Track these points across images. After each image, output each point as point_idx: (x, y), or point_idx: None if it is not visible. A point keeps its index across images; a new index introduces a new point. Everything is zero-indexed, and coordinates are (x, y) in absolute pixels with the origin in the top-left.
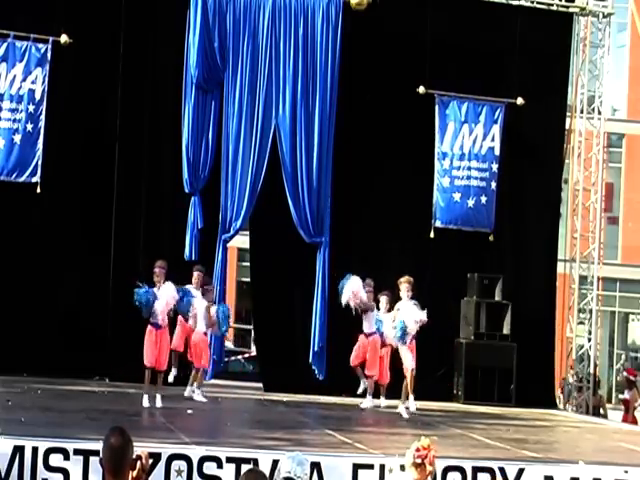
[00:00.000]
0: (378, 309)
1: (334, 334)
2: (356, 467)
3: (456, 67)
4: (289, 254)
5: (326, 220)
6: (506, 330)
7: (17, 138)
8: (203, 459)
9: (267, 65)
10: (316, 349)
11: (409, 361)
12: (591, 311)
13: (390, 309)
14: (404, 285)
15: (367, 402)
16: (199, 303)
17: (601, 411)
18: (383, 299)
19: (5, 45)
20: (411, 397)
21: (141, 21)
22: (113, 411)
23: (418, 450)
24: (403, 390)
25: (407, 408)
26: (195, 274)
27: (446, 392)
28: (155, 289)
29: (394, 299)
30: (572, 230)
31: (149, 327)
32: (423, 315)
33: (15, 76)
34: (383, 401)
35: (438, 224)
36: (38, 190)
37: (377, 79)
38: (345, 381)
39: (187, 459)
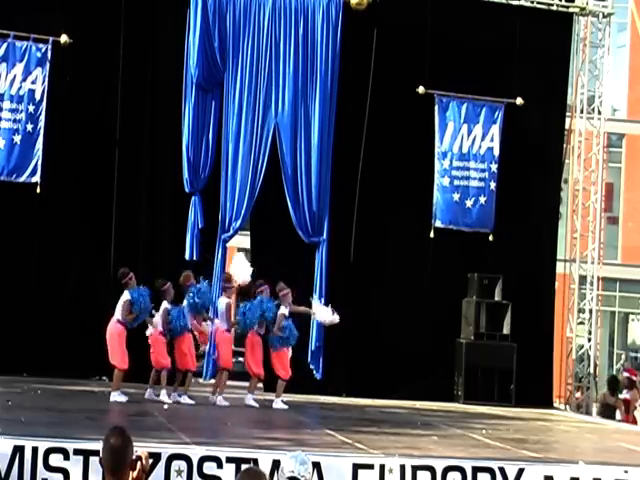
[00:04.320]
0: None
1: (332, 334)
2: (356, 467)
3: (456, 67)
4: (289, 254)
5: (325, 220)
6: (506, 330)
7: (17, 138)
8: (203, 459)
9: (267, 65)
10: (313, 348)
11: None
12: (591, 311)
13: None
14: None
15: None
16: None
17: (617, 414)
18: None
19: (5, 45)
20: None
21: (141, 21)
22: (113, 411)
23: None
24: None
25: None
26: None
27: (446, 392)
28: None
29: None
30: (572, 230)
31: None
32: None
33: (15, 76)
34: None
35: (438, 224)
36: (38, 190)
37: (377, 79)
38: (345, 381)
39: (187, 459)
